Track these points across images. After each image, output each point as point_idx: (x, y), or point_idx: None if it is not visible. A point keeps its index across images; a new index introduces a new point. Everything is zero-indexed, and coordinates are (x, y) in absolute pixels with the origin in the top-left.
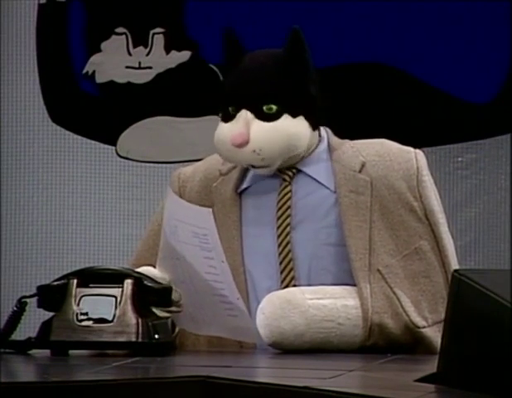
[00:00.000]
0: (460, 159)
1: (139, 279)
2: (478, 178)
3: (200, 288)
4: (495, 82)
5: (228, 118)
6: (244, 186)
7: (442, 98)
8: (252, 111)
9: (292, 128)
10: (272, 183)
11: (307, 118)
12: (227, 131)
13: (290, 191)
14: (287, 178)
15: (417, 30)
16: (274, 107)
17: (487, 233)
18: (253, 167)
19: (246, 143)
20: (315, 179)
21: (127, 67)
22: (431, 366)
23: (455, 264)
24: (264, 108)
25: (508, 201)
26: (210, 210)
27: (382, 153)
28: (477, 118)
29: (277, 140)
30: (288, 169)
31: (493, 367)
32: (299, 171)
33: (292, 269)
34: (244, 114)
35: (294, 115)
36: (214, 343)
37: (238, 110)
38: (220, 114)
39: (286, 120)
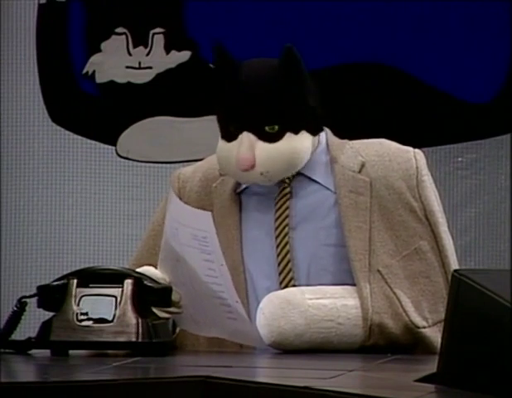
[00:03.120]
0: (460, 159)
1: (139, 279)
2: (478, 178)
3: (199, 290)
4: (495, 82)
5: (229, 137)
6: (244, 186)
7: (442, 98)
8: (254, 133)
9: (297, 146)
10: (271, 184)
11: (309, 131)
12: (231, 152)
13: (289, 192)
14: (286, 180)
15: (417, 30)
16: (276, 127)
17: (487, 233)
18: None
19: (253, 167)
20: (314, 180)
21: (127, 67)
22: (431, 366)
23: (455, 264)
24: (267, 128)
25: (508, 201)
26: (210, 213)
27: (381, 153)
28: (477, 118)
29: (283, 161)
30: None
31: (493, 367)
32: (298, 172)
33: (290, 270)
34: (247, 137)
35: (296, 132)
36: (214, 343)
37: (240, 131)
38: (220, 131)
39: (289, 139)
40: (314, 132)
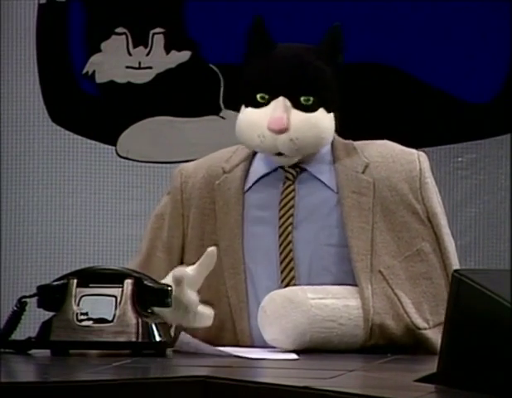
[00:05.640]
0: (460, 159)
1: (139, 279)
2: (478, 178)
3: None
4: (495, 82)
5: (255, 104)
6: (249, 184)
7: (442, 98)
8: (290, 99)
9: (327, 125)
10: (275, 182)
11: (336, 117)
12: (261, 116)
13: (293, 190)
14: (290, 177)
15: (417, 30)
16: (312, 99)
17: (487, 233)
18: (279, 154)
19: (286, 129)
20: (318, 179)
21: (127, 67)
22: (431, 366)
23: (456, 266)
24: (302, 98)
25: (508, 201)
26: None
27: (385, 155)
28: (477, 118)
29: (314, 132)
30: (291, 167)
31: (493, 367)
32: (302, 170)
33: (292, 269)
34: (283, 101)
35: (329, 110)
36: (213, 343)
37: (272, 97)
38: (243, 100)
39: (322, 114)
40: (337, 123)
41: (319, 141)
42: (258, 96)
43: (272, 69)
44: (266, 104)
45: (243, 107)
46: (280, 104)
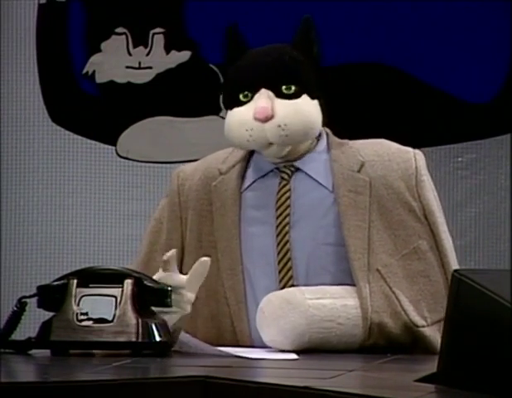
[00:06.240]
0: (460, 159)
1: (139, 279)
2: (478, 178)
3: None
4: (495, 82)
5: (240, 104)
6: (245, 185)
7: (442, 98)
8: (272, 90)
9: (313, 111)
10: (271, 182)
11: (321, 105)
12: (246, 111)
13: (289, 190)
14: (285, 177)
15: (417, 30)
16: (293, 87)
17: (487, 233)
18: (271, 144)
19: (271, 116)
20: (313, 178)
21: (127, 67)
22: (431, 366)
23: (454, 264)
24: (283, 88)
25: (508, 201)
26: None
27: (381, 153)
28: (477, 118)
29: (301, 117)
30: (287, 167)
31: (493, 367)
32: (298, 169)
33: (290, 269)
34: (265, 92)
35: (312, 98)
36: (212, 339)
37: (254, 93)
38: (229, 104)
39: (306, 100)
40: (323, 111)
41: (306, 125)
42: (241, 96)
43: (249, 66)
44: (250, 101)
45: (228, 111)
46: (263, 95)
